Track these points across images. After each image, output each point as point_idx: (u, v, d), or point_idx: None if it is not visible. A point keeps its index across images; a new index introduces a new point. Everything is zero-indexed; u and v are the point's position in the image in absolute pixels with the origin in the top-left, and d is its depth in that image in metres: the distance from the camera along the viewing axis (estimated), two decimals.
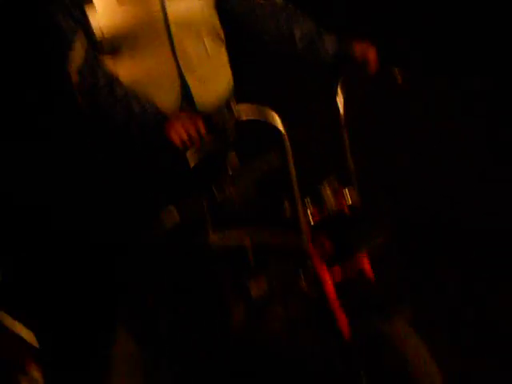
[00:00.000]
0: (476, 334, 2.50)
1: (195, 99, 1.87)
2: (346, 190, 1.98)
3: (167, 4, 1.80)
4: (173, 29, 1.81)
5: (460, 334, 2.50)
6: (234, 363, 2.39)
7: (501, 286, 2.67)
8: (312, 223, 1.91)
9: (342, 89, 1.94)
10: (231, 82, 2.02)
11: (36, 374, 1.85)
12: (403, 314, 1.89)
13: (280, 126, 1.77)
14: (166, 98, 1.81)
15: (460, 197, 2.98)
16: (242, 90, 2.12)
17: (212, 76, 1.91)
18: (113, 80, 1.74)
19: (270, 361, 2.39)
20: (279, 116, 1.77)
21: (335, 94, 1.95)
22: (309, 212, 1.91)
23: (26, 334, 1.90)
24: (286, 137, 1.78)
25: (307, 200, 1.94)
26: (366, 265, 2.05)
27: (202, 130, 1.70)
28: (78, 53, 1.78)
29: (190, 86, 1.84)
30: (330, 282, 1.98)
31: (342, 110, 1.94)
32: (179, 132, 1.68)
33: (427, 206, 2.96)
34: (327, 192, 1.94)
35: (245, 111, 1.74)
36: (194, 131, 1.68)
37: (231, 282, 2.27)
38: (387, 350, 1.93)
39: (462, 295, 2.66)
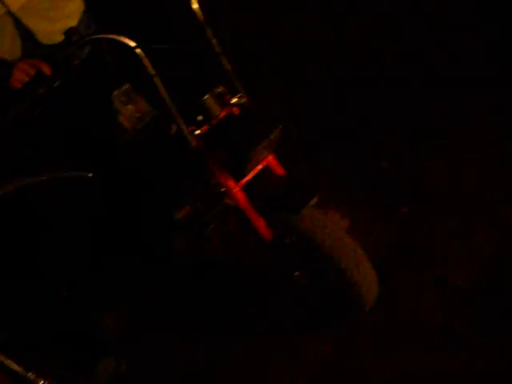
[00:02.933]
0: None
1: (37, 35, 1.76)
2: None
3: None
4: None
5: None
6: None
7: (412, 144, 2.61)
8: (198, 133, 1.83)
9: None
10: (79, 14, 1.88)
11: None
12: (313, 203, 1.84)
13: (129, 41, 1.67)
14: (3, 41, 1.70)
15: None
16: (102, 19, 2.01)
17: (52, 10, 1.78)
18: None
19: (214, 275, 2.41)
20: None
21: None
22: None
23: None
24: (139, 51, 1.68)
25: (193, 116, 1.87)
26: (273, 161, 2.00)
27: (47, 71, 1.63)
28: None
29: (26, 22, 1.73)
30: (236, 189, 1.93)
31: (200, 13, 1.82)
32: (22, 79, 1.62)
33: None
34: (209, 101, 1.86)
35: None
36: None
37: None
38: (308, 245, 1.91)
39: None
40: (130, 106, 2.31)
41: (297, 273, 2.10)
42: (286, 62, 2.91)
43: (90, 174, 1.84)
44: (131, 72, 2.22)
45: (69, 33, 1.63)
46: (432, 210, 2.37)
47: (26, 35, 1.75)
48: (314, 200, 1.84)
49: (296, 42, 2.97)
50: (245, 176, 1.91)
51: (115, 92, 2.28)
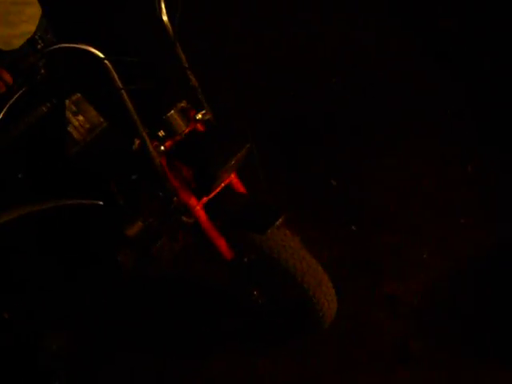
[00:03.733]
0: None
1: None
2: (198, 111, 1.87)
3: None
4: None
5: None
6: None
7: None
8: (162, 149, 1.78)
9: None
10: (37, 18, 1.77)
11: None
12: (278, 223, 1.83)
13: (98, 52, 1.59)
14: None
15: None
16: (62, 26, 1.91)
17: (11, 15, 1.67)
18: None
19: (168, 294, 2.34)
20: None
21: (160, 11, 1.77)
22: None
23: None
24: (108, 64, 1.61)
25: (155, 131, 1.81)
26: (235, 179, 1.98)
27: (9, 80, 1.52)
28: None
29: None
30: (198, 207, 1.89)
31: (169, 26, 1.77)
32: None
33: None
34: (174, 117, 1.81)
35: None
36: None
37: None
38: (269, 265, 1.89)
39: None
40: (80, 117, 2.21)
41: (255, 291, 2.09)
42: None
43: (101, 202, 1.73)
44: (84, 81, 2.13)
45: (33, 40, 1.53)
46: (380, 227, 2.44)
47: None
48: (280, 220, 1.83)
49: None
50: (209, 194, 1.87)
51: (66, 101, 2.18)
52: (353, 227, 2.47)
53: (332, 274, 2.12)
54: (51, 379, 2.04)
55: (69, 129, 2.18)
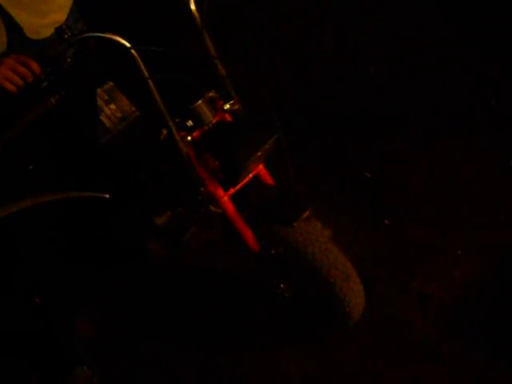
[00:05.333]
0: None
1: (25, 29, 1.65)
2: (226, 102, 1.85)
3: None
4: None
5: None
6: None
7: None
8: (189, 139, 1.77)
9: None
10: (68, 8, 1.78)
11: None
12: (305, 216, 1.80)
13: (125, 42, 1.59)
14: None
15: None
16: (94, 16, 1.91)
17: (41, 4, 1.68)
18: None
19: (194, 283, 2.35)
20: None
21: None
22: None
23: None
24: (134, 53, 1.60)
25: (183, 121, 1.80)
26: (263, 170, 1.95)
27: (36, 69, 1.53)
28: None
29: (13, 15, 1.62)
30: (225, 198, 1.87)
31: (197, 15, 1.75)
32: (9, 77, 1.51)
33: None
34: (202, 107, 1.79)
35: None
36: (25, 72, 1.52)
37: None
38: (296, 258, 1.87)
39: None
40: (112, 106, 2.22)
41: (282, 284, 2.06)
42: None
43: (108, 195, 1.74)
44: (116, 70, 2.14)
45: (60, 30, 1.53)
46: (414, 222, 2.38)
47: (12, 29, 1.63)
48: (307, 213, 1.80)
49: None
50: (236, 185, 1.86)
51: (98, 90, 2.19)
52: (386, 221, 2.41)
53: (362, 268, 2.08)
54: (78, 363, 2.07)
55: (101, 117, 2.19)
